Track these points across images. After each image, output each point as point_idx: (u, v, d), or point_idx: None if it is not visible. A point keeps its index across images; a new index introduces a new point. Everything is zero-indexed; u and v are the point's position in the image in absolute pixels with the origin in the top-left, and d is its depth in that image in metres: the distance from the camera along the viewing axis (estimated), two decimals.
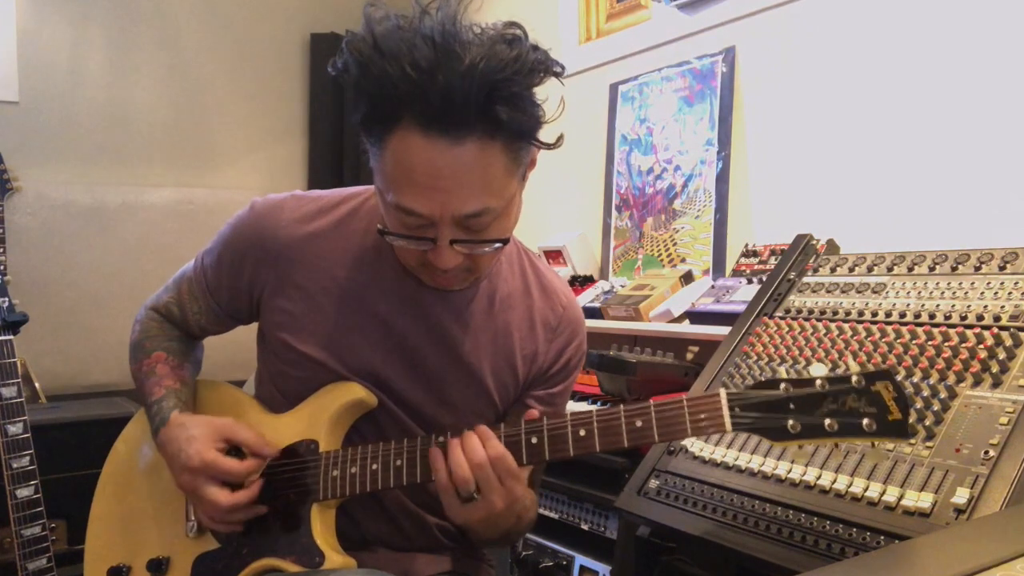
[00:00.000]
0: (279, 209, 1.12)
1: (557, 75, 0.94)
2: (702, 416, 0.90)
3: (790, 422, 0.88)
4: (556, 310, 1.18)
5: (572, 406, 1.75)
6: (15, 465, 1.63)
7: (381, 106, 0.90)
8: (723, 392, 0.91)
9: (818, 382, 0.87)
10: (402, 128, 0.89)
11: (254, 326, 1.22)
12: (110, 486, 1.24)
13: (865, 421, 0.85)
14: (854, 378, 0.87)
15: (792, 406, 0.88)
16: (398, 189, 0.93)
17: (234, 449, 1.08)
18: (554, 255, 2.36)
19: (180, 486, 1.07)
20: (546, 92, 0.96)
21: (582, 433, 0.95)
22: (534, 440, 0.97)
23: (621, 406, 0.94)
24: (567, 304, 1.20)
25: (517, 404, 1.19)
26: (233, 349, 1.60)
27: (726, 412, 0.89)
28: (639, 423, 0.92)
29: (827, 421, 0.86)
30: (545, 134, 0.97)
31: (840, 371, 0.91)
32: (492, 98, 0.87)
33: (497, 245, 0.98)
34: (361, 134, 0.95)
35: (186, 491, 1.07)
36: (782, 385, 0.89)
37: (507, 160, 0.93)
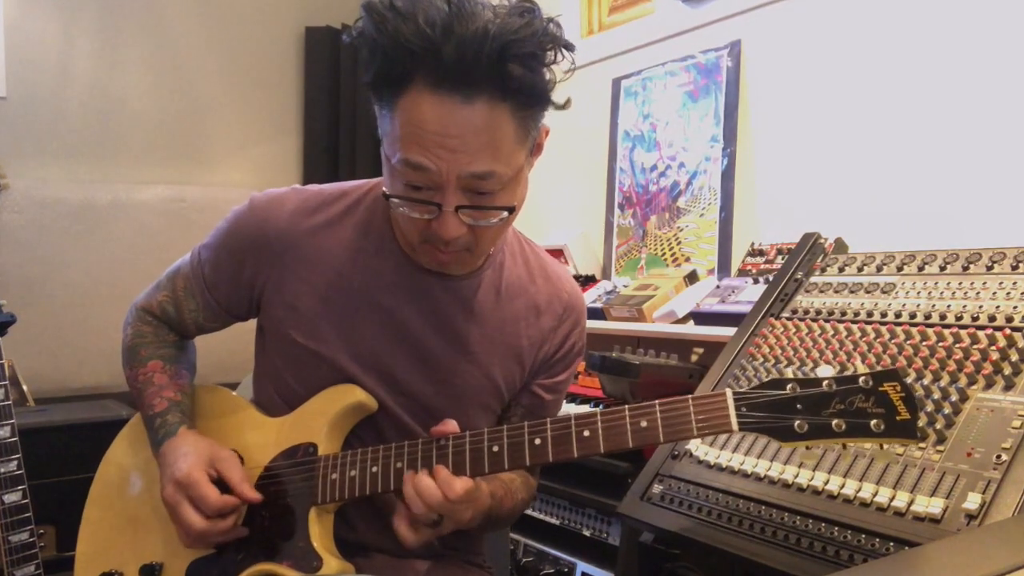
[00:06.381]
0: (279, 203, 1.12)
1: (569, 50, 0.95)
2: (708, 416, 0.90)
3: (797, 422, 0.88)
4: (560, 296, 1.19)
5: (574, 409, 1.73)
6: (2, 470, 1.62)
7: (394, 64, 0.91)
8: (729, 392, 0.90)
9: (825, 382, 0.88)
10: (414, 88, 0.91)
11: (249, 325, 1.20)
12: (103, 491, 1.23)
13: (873, 422, 0.86)
14: (861, 379, 0.87)
15: (799, 406, 0.88)
16: (406, 146, 0.93)
17: (221, 481, 1.06)
18: (555, 254, 2.33)
19: (164, 498, 1.06)
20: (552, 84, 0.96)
21: (586, 434, 0.94)
22: (537, 441, 0.96)
23: (626, 406, 0.93)
24: (570, 290, 1.22)
25: (522, 393, 1.19)
26: (227, 351, 1.57)
27: (732, 412, 0.89)
28: (644, 423, 0.92)
29: (835, 421, 0.87)
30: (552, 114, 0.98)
31: (848, 372, 0.91)
32: (504, 57, 0.89)
33: (504, 214, 0.98)
34: (371, 97, 0.97)
35: (168, 505, 1.06)
36: (788, 385, 0.89)
37: (516, 126, 0.94)
